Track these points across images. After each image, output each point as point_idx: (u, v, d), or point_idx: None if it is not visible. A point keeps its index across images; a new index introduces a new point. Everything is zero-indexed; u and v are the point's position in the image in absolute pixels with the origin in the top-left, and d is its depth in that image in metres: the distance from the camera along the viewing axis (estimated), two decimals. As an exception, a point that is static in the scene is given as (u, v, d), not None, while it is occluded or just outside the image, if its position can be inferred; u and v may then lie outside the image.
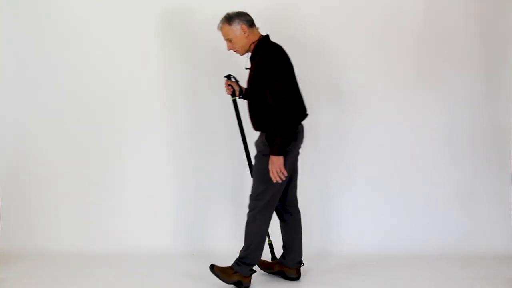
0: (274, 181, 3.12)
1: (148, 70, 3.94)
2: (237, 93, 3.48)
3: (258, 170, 3.23)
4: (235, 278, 3.28)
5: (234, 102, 3.52)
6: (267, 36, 3.25)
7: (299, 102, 3.24)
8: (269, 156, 3.11)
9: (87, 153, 3.98)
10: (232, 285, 3.29)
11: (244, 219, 3.93)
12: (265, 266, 3.56)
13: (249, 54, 3.26)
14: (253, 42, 3.22)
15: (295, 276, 3.47)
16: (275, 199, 3.28)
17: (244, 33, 3.19)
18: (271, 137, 3.07)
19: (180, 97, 3.98)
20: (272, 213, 3.32)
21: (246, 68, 3.31)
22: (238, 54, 3.29)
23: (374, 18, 3.94)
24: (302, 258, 3.49)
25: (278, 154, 3.07)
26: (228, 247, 3.87)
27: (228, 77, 3.49)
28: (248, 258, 3.29)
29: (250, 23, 3.22)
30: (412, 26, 3.94)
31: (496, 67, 3.96)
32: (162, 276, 3.51)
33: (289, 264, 3.47)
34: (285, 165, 3.13)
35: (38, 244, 3.88)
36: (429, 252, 3.87)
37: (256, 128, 3.28)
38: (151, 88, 3.96)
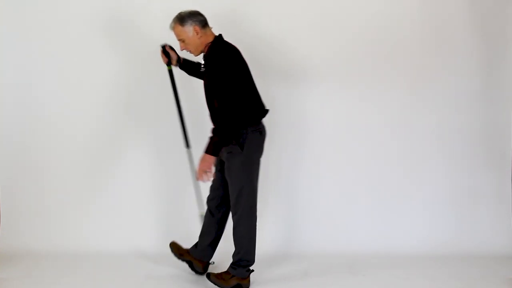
0: (198, 180, 3.12)
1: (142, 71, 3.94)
2: (173, 61, 3.42)
3: (232, 170, 3.20)
4: (234, 282, 3.27)
5: (170, 72, 3.46)
6: (220, 36, 3.22)
7: (256, 102, 3.23)
8: (238, 154, 3.12)
9: (88, 153, 3.98)
10: None
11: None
12: (176, 250, 3.52)
13: (203, 55, 3.23)
14: (207, 43, 3.18)
15: (201, 271, 3.47)
16: (255, 197, 3.27)
17: (197, 34, 3.14)
18: (213, 137, 3.07)
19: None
20: (256, 209, 3.30)
21: (201, 69, 3.29)
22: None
23: (374, 18, 3.94)
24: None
25: (212, 154, 3.07)
26: (228, 246, 3.88)
27: (164, 46, 3.42)
28: (243, 260, 3.28)
29: (203, 23, 3.17)
30: (410, 26, 3.94)
31: (496, 67, 3.96)
32: (162, 277, 3.51)
33: (198, 256, 3.45)
34: (253, 163, 3.16)
35: (38, 244, 3.88)
36: (429, 252, 3.87)
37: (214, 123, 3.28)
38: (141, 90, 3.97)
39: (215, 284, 3.27)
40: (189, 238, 3.95)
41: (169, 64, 3.43)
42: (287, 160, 4.01)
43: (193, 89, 3.72)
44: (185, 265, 3.60)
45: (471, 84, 3.98)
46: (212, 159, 3.09)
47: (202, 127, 3.53)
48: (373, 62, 3.96)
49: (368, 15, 3.93)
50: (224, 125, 3.06)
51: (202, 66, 3.29)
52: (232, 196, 3.25)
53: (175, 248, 3.54)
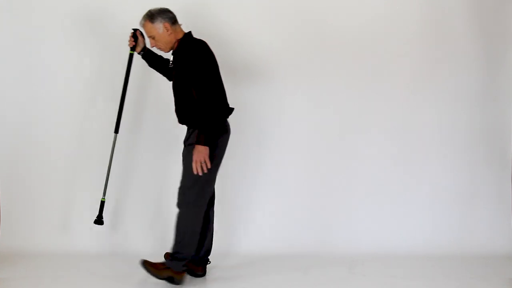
0: (195, 172, 3.10)
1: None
2: (138, 48, 3.44)
3: (189, 163, 3.19)
4: (167, 273, 3.24)
5: (131, 56, 3.49)
6: (190, 32, 3.26)
7: (223, 98, 3.26)
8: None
9: (88, 153, 3.98)
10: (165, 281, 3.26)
11: (242, 219, 3.95)
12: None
13: (172, 51, 3.27)
14: (177, 40, 3.22)
15: (201, 273, 3.46)
16: (206, 192, 3.26)
17: (167, 31, 3.19)
18: (200, 127, 3.08)
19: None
20: (204, 206, 3.28)
21: (170, 66, 3.30)
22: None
23: (374, 18, 3.94)
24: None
25: (205, 144, 3.07)
26: (227, 247, 3.88)
27: (135, 30, 3.44)
28: (180, 253, 3.24)
29: (173, 20, 3.22)
30: (411, 26, 3.95)
31: (496, 67, 3.96)
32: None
33: (196, 262, 3.44)
34: (215, 158, 3.16)
35: (38, 244, 3.88)
36: (429, 252, 3.87)
37: (180, 121, 3.30)
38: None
39: (147, 271, 3.23)
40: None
41: (133, 48, 3.46)
42: (287, 159, 4.02)
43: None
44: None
45: (471, 84, 3.98)
46: (206, 149, 3.09)
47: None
48: (372, 62, 3.96)
49: (368, 15, 3.94)
50: (210, 113, 3.08)
51: (171, 62, 3.30)
52: (183, 187, 3.23)
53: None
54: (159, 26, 3.18)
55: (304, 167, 4.01)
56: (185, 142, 3.33)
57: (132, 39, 3.44)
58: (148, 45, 3.42)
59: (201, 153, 3.09)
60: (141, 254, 3.79)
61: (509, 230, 3.92)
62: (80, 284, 3.38)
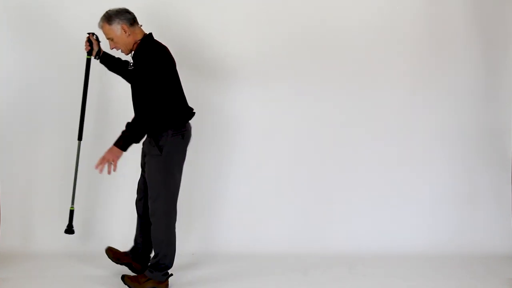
0: (96, 169, 3.04)
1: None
2: (94, 52, 3.40)
3: (151, 172, 3.19)
4: (149, 285, 3.23)
5: (88, 61, 3.45)
6: (150, 34, 3.19)
7: (180, 104, 3.22)
8: (156, 157, 3.11)
9: (88, 153, 3.97)
10: None
11: (242, 219, 3.95)
12: (114, 255, 3.45)
13: (132, 53, 3.21)
14: (136, 41, 3.14)
15: (139, 270, 3.44)
16: (175, 199, 3.25)
17: (125, 33, 3.11)
18: (129, 130, 3.03)
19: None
20: (175, 213, 3.27)
21: (130, 68, 3.28)
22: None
23: (374, 18, 3.94)
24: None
25: (121, 148, 3.03)
26: (227, 247, 3.89)
27: (92, 34, 3.39)
28: (160, 264, 3.24)
29: (131, 21, 3.13)
30: (411, 27, 3.95)
31: (496, 67, 3.96)
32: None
33: (134, 258, 3.43)
34: (173, 167, 3.15)
35: (38, 244, 3.88)
36: (429, 252, 3.88)
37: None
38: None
39: (129, 286, 3.23)
40: (189, 238, 3.97)
41: (89, 53, 3.41)
42: (286, 158, 4.02)
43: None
44: (186, 266, 3.62)
45: (471, 84, 3.98)
46: (119, 152, 3.02)
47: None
48: (372, 63, 3.97)
49: (368, 16, 3.95)
50: (139, 122, 3.04)
51: (131, 64, 3.26)
52: (151, 199, 3.22)
53: (111, 253, 3.46)
54: (117, 28, 3.10)
55: (305, 167, 4.01)
56: (144, 150, 3.29)
57: (88, 44, 3.38)
58: (105, 49, 3.36)
59: (112, 153, 3.03)
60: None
61: (509, 230, 3.92)
62: (80, 284, 3.38)
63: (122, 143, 3.03)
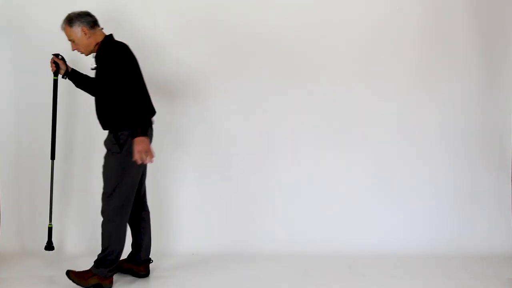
0: (139, 162, 3.10)
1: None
2: (61, 71, 3.45)
3: (108, 168, 3.22)
4: (93, 281, 3.23)
5: (55, 81, 3.51)
6: (111, 35, 3.27)
7: (147, 101, 3.25)
8: (116, 154, 3.14)
9: (88, 153, 3.97)
10: None
11: (242, 219, 3.95)
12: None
13: (94, 54, 3.27)
14: (97, 43, 3.23)
15: (144, 273, 3.47)
16: (130, 197, 3.26)
17: (85, 35, 3.21)
18: (134, 121, 3.08)
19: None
20: (128, 212, 3.28)
21: (92, 69, 3.31)
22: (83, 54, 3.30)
23: (373, 19, 3.94)
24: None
25: (142, 134, 3.07)
26: (227, 247, 3.89)
27: (57, 55, 3.45)
28: (106, 260, 3.24)
29: (92, 24, 3.23)
30: (410, 27, 3.95)
31: (496, 67, 3.96)
32: (161, 276, 3.51)
33: (137, 263, 3.45)
34: (131, 165, 3.15)
35: (38, 244, 3.88)
36: (429, 252, 3.88)
37: (104, 127, 3.28)
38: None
39: (74, 282, 3.23)
40: (189, 238, 3.96)
41: (56, 74, 3.48)
42: (285, 157, 4.02)
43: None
44: (186, 266, 3.63)
45: (471, 84, 3.98)
46: (146, 139, 3.09)
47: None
48: (372, 63, 3.97)
49: (368, 16, 3.95)
50: (140, 106, 3.09)
51: (94, 66, 3.30)
52: (104, 195, 3.24)
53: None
54: (78, 30, 3.20)
55: (305, 167, 4.01)
56: (105, 145, 3.31)
57: (53, 65, 3.44)
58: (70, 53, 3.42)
59: (142, 143, 3.08)
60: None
61: (509, 230, 3.92)
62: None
63: (141, 130, 3.08)
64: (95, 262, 3.28)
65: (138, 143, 3.08)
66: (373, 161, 4.00)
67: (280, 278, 3.48)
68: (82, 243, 3.91)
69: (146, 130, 3.10)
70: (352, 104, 3.98)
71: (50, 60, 3.45)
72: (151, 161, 3.14)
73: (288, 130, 3.99)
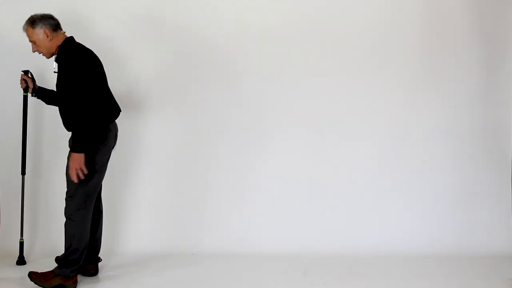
0: (72, 179, 3.11)
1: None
2: (30, 89, 3.48)
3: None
4: (56, 281, 3.22)
5: (25, 98, 3.58)
6: (72, 37, 3.27)
7: (109, 102, 3.26)
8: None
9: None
10: None
11: (242, 219, 3.95)
12: None
13: (55, 57, 3.27)
14: (58, 46, 3.23)
15: (94, 271, 3.48)
16: (91, 197, 3.27)
17: (47, 37, 3.21)
18: (74, 134, 3.10)
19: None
20: (90, 211, 3.28)
21: (55, 71, 3.30)
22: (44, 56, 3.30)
23: (374, 19, 3.94)
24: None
25: (79, 151, 3.08)
26: (227, 247, 3.89)
27: (26, 72, 3.48)
28: (69, 260, 3.24)
29: (54, 27, 3.23)
30: (411, 28, 3.95)
31: (496, 67, 3.96)
32: (163, 276, 3.51)
33: (86, 262, 3.44)
34: (96, 164, 3.17)
35: (39, 244, 3.88)
36: (429, 252, 3.87)
37: (68, 128, 3.28)
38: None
39: (36, 283, 3.22)
40: (189, 238, 3.96)
41: (25, 90, 3.51)
42: (289, 161, 4.02)
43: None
44: (186, 265, 3.62)
45: (471, 84, 3.98)
46: (81, 156, 3.08)
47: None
48: (373, 63, 3.97)
49: (368, 16, 3.95)
50: (81, 121, 3.08)
51: (54, 68, 3.29)
52: (67, 194, 3.24)
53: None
54: (40, 32, 3.20)
55: (305, 167, 4.01)
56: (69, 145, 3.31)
57: (23, 82, 3.47)
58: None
59: (76, 160, 3.09)
60: (141, 254, 3.80)
61: (509, 230, 3.92)
62: (81, 284, 3.37)
63: (78, 146, 3.09)
64: (58, 262, 3.28)
65: (73, 160, 3.09)
66: (373, 161, 4.00)
67: (280, 278, 3.48)
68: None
69: (84, 146, 3.09)
70: (352, 104, 3.98)
71: (20, 77, 3.48)
72: (81, 178, 3.12)
73: (287, 131, 3.99)
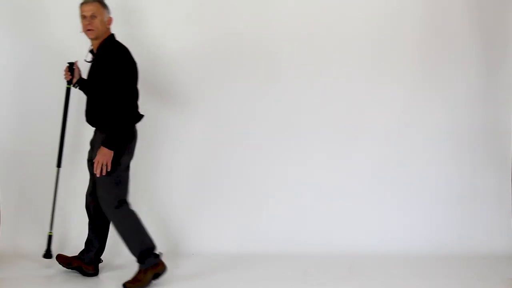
0: (95, 172, 3.14)
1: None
2: (74, 80, 3.46)
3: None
4: (149, 275, 3.25)
5: (68, 90, 3.52)
6: (114, 35, 3.31)
7: (136, 106, 3.28)
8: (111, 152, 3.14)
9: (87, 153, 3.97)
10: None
11: (242, 219, 3.95)
12: (63, 261, 3.49)
13: (90, 46, 3.32)
14: (105, 37, 3.27)
15: (92, 272, 3.47)
16: (125, 193, 3.29)
17: (107, 24, 3.28)
18: (110, 131, 3.12)
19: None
20: (127, 201, 3.30)
21: (86, 61, 3.34)
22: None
23: (374, 19, 3.94)
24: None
25: (111, 148, 3.11)
26: (227, 247, 3.89)
27: (71, 64, 3.45)
28: (144, 251, 3.25)
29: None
30: (411, 27, 3.95)
31: (496, 67, 3.96)
32: (163, 276, 3.51)
33: (86, 261, 3.45)
34: (121, 163, 3.19)
35: (38, 244, 3.88)
36: (429, 252, 3.88)
37: (92, 123, 3.31)
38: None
39: None
40: (190, 238, 3.96)
41: (69, 82, 3.49)
42: (287, 157, 4.02)
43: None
44: (186, 266, 3.63)
45: (471, 84, 3.98)
46: (110, 153, 3.12)
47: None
48: (373, 63, 3.97)
49: (368, 16, 3.95)
50: (124, 119, 3.14)
51: (90, 59, 3.33)
52: (105, 192, 3.25)
53: (61, 259, 3.50)
54: (106, 15, 3.26)
55: (304, 167, 4.01)
56: (92, 147, 3.34)
57: (69, 73, 3.45)
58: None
59: (105, 155, 3.13)
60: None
61: (509, 230, 3.92)
62: (80, 284, 3.38)
63: (112, 143, 3.13)
64: (137, 261, 3.28)
65: (102, 154, 3.13)
66: (373, 161, 4.00)
67: (280, 278, 3.48)
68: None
69: (116, 143, 3.13)
70: (352, 104, 3.98)
71: (64, 68, 3.45)
72: (103, 174, 3.15)
73: (288, 131, 3.99)
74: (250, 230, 3.97)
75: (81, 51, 3.42)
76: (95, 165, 3.14)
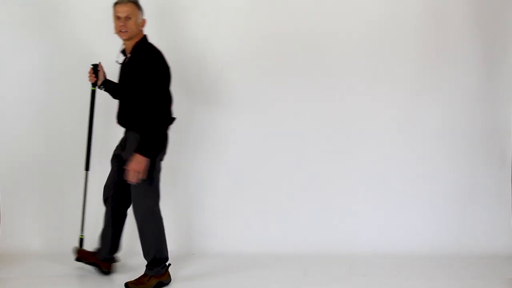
0: (129, 180, 3.10)
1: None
2: (99, 82, 3.43)
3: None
4: (153, 282, 3.25)
5: (93, 92, 3.49)
6: (147, 36, 3.27)
7: (170, 109, 3.27)
8: (145, 155, 3.10)
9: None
10: None
11: (242, 219, 3.95)
12: (83, 255, 3.49)
13: (122, 47, 3.29)
14: (138, 39, 3.23)
15: (106, 270, 3.46)
16: (158, 195, 3.28)
17: (141, 26, 3.24)
18: (144, 136, 3.08)
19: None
20: (159, 210, 3.28)
21: (118, 62, 3.31)
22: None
23: (373, 19, 3.94)
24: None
25: (146, 155, 3.07)
26: (227, 247, 3.89)
27: (95, 66, 3.41)
28: (157, 259, 3.26)
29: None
30: (411, 28, 3.95)
31: (496, 67, 3.96)
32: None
33: (100, 257, 3.45)
34: (154, 166, 3.16)
35: (38, 244, 3.88)
36: (429, 252, 3.88)
37: (123, 124, 3.28)
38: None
39: None
40: (190, 238, 3.96)
41: (94, 84, 3.45)
42: (292, 157, 4.02)
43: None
44: (185, 266, 3.63)
45: (471, 84, 3.98)
46: (145, 160, 3.08)
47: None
48: (373, 64, 3.97)
49: (368, 17, 3.95)
50: (158, 125, 3.11)
51: (122, 60, 3.30)
52: (138, 195, 3.22)
53: (81, 253, 3.49)
54: (140, 17, 3.23)
55: (305, 167, 4.01)
56: (123, 147, 3.29)
57: (94, 75, 3.41)
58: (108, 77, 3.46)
59: (140, 163, 3.08)
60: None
61: (509, 230, 3.92)
62: (80, 284, 3.38)
63: (147, 151, 3.08)
64: (147, 265, 3.28)
65: (137, 162, 3.08)
66: (373, 161, 4.00)
67: (280, 278, 3.48)
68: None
69: (151, 150, 3.09)
70: (352, 105, 3.98)
71: (89, 70, 3.42)
72: (137, 181, 3.11)
73: (288, 132, 3.99)
74: (250, 230, 3.97)
75: (106, 52, 3.42)
76: (130, 172, 3.08)
